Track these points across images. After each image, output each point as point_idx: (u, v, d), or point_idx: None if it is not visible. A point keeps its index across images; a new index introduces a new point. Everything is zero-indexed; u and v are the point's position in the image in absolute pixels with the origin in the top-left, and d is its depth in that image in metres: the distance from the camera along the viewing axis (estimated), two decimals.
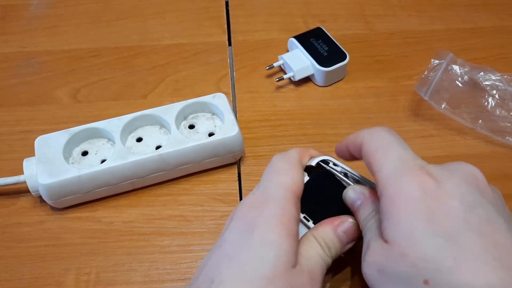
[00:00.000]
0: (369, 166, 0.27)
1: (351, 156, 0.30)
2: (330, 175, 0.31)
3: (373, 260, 0.25)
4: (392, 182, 0.25)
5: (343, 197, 0.30)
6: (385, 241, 0.25)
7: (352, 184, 0.30)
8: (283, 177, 0.28)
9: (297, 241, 0.27)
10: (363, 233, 0.28)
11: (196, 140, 0.37)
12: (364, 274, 0.26)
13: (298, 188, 0.28)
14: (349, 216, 0.30)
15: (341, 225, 0.29)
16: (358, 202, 0.29)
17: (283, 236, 0.26)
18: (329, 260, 0.28)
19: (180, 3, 0.53)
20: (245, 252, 0.25)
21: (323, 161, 0.31)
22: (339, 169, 0.31)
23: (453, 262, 0.22)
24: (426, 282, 0.22)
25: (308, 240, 0.28)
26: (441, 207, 0.23)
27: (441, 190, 0.24)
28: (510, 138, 0.40)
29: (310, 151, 0.32)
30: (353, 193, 0.29)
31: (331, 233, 0.29)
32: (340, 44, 0.46)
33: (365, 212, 0.28)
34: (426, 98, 0.41)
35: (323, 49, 0.45)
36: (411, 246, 0.23)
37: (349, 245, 0.29)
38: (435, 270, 0.22)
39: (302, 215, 0.30)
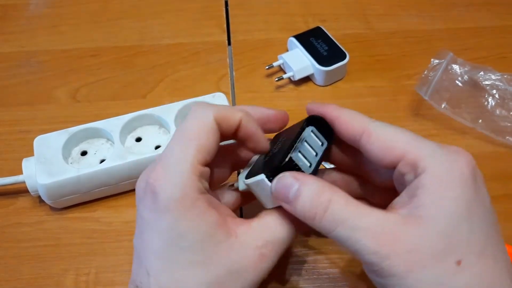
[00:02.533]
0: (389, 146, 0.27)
1: None
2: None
3: (394, 238, 0.23)
4: (435, 161, 0.25)
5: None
6: (415, 216, 0.24)
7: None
8: (189, 143, 0.26)
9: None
10: (315, 217, 0.25)
11: None
12: (381, 259, 0.23)
13: (202, 157, 0.26)
14: None
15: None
16: (296, 186, 0.25)
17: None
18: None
19: (180, 3, 0.53)
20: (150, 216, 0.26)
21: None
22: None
23: (482, 247, 0.23)
24: (459, 262, 0.23)
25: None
26: (477, 197, 0.24)
27: (479, 182, 0.25)
28: (510, 138, 0.40)
29: (238, 113, 0.28)
30: (288, 178, 0.25)
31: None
32: (340, 44, 0.46)
33: (312, 193, 0.25)
34: (426, 98, 0.41)
35: (323, 49, 0.45)
36: (452, 227, 0.23)
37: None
38: (468, 253, 0.23)
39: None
